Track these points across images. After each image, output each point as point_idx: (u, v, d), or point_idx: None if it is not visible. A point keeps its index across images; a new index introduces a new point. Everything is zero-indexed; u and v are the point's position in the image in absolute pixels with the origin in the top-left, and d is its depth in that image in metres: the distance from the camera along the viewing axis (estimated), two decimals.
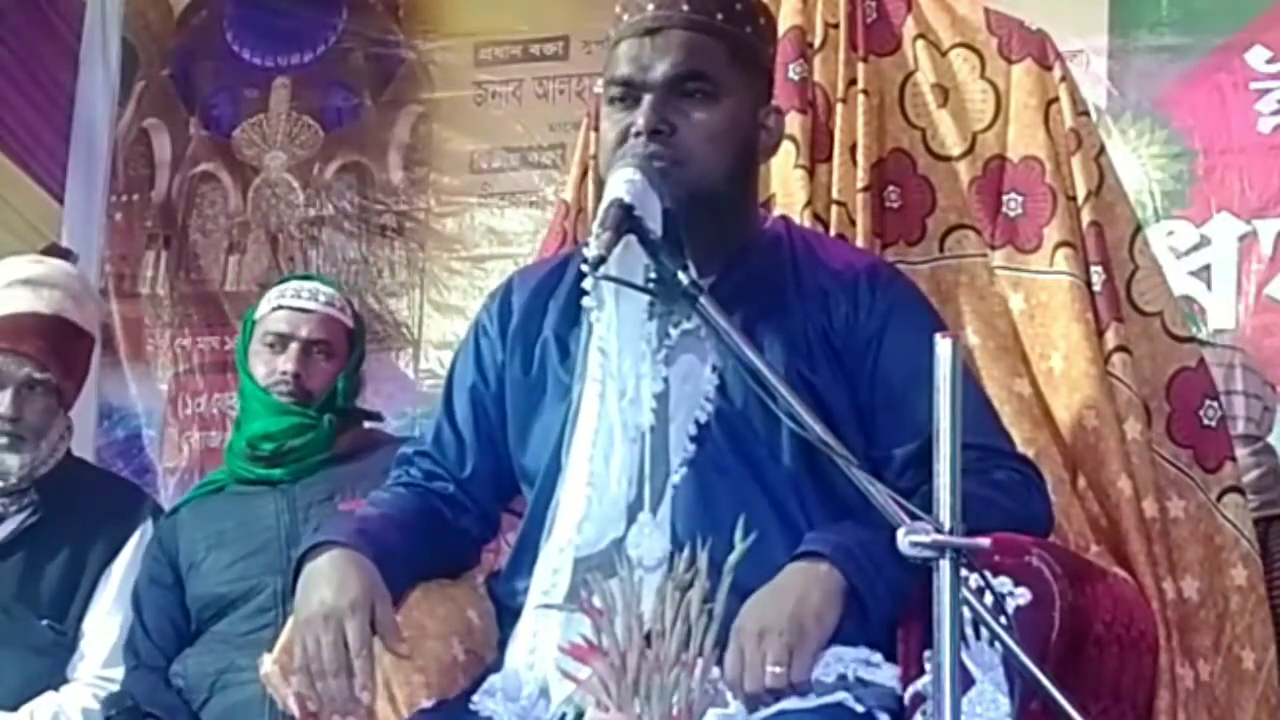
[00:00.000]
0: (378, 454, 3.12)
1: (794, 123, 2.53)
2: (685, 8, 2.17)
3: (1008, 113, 2.56)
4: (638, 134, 2.13)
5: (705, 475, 2.12)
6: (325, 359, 3.37)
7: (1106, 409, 2.39)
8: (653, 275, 2.05)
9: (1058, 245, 2.47)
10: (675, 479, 2.12)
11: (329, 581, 2.08)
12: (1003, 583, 1.94)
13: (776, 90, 2.35)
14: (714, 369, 2.15)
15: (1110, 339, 2.43)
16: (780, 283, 2.22)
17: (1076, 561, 2.16)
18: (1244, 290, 4.33)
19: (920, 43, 2.62)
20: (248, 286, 5.12)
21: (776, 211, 2.50)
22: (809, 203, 2.54)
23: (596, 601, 1.84)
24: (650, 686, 1.79)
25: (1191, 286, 4.32)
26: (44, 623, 3.25)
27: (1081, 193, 2.49)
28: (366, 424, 3.49)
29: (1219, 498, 2.44)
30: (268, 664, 2.15)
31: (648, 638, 1.82)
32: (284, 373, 3.33)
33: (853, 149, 2.58)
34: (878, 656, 2.01)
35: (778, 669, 1.89)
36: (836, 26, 2.63)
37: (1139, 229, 2.56)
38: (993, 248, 2.53)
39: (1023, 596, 1.96)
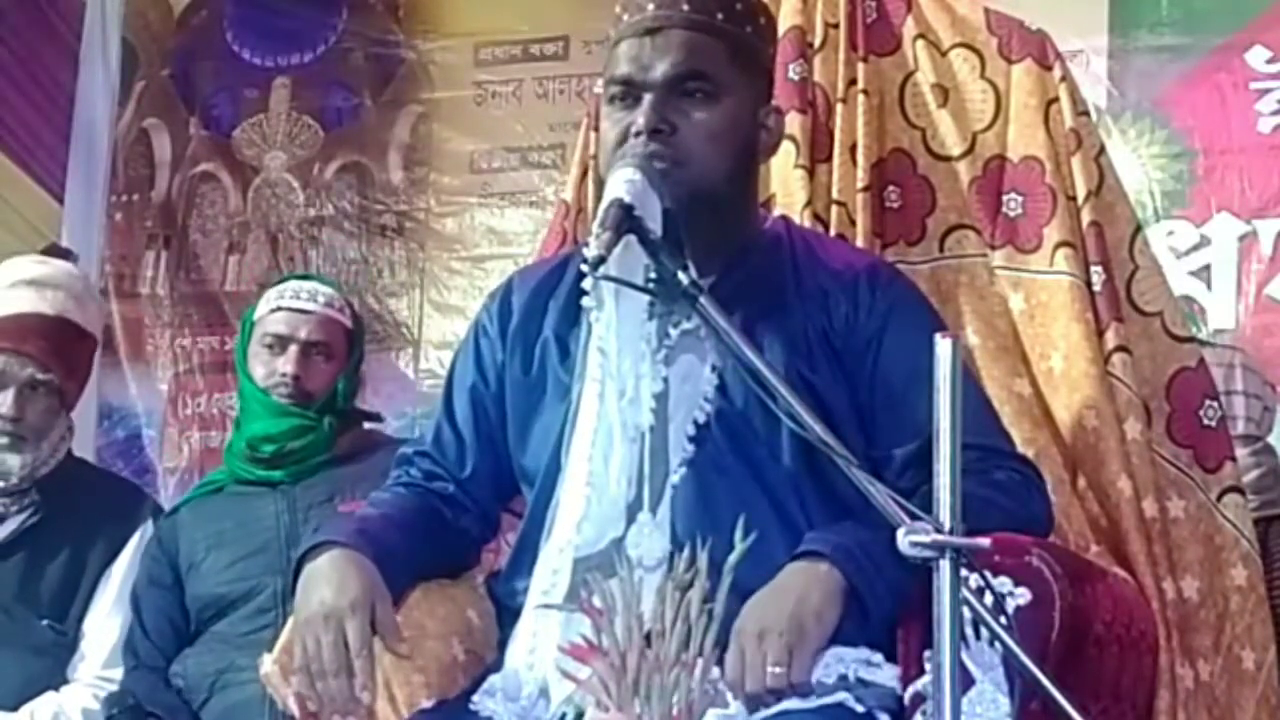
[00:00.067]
0: (378, 456, 3.12)
1: (794, 123, 2.53)
2: (685, 7, 2.17)
3: (1008, 113, 2.56)
4: (638, 133, 2.13)
5: (705, 475, 2.12)
6: (324, 360, 3.37)
7: (1106, 409, 2.39)
8: (653, 275, 2.05)
9: (1058, 245, 2.47)
10: (675, 479, 2.12)
11: (329, 581, 2.08)
12: (1003, 583, 1.94)
13: (776, 90, 2.35)
14: (713, 369, 2.15)
15: (1110, 339, 2.43)
16: (780, 283, 2.22)
17: (1076, 561, 2.16)
18: (1244, 290, 4.33)
19: (920, 43, 2.62)
20: (248, 286, 5.12)
21: (776, 211, 2.50)
22: (809, 203, 2.54)
23: (596, 601, 1.84)
24: (650, 686, 1.79)
25: (1191, 286, 4.32)
26: (44, 623, 3.25)
27: (1081, 193, 2.49)
28: (366, 425, 3.49)
29: (1219, 498, 2.44)
30: (268, 664, 2.15)
31: (648, 638, 1.82)
32: (283, 374, 3.33)
33: (853, 149, 2.58)
34: (878, 657, 2.01)
35: (778, 669, 1.89)
36: (836, 26, 2.63)
37: (1139, 229, 2.56)
38: (993, 248, 2.53)
39: (1023, 596, 1.96)
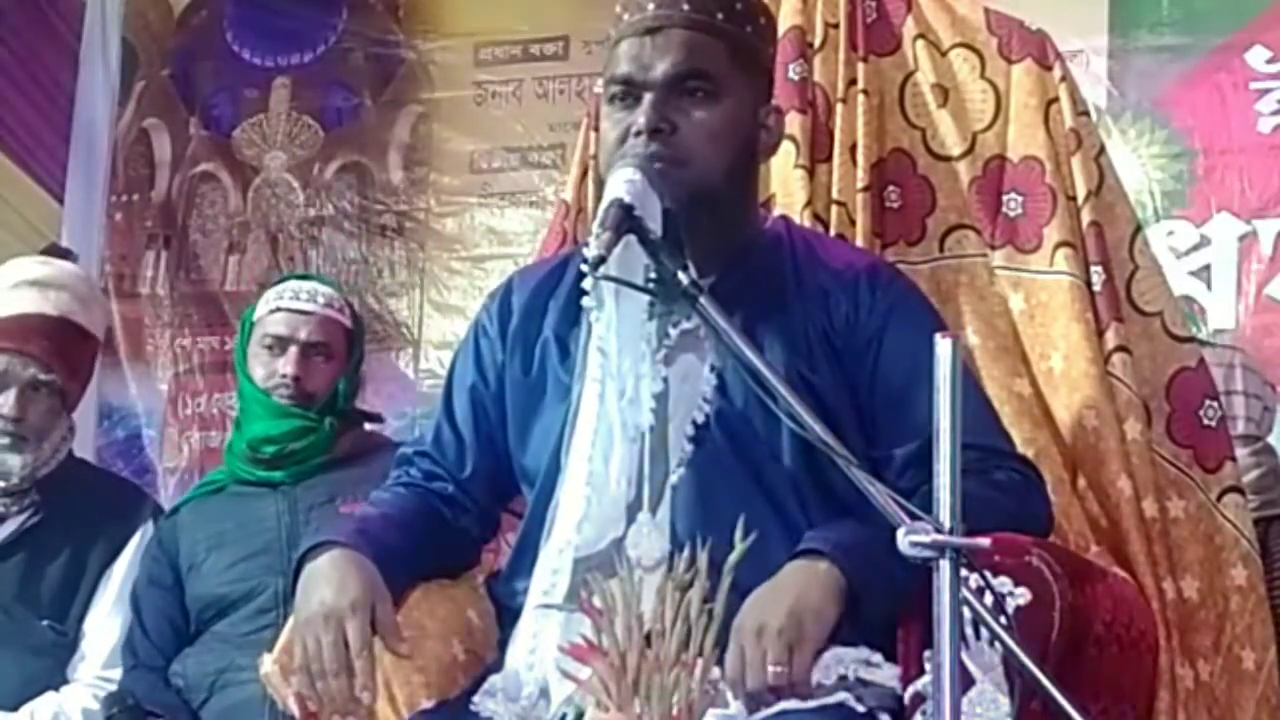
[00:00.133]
0: (378, 457, 3.12)
1: (794, 123, 2.53)
2: (686, 7, 2.17)
3: (1008, 113, 2.56)
4: (638, 133, 2.13)
5: (704, 475, 2.12)
6: (325, 361, 3.37)
7: (1106, 409, 2.39)
8: (653, 275, 2.05)
9: (1058, 245, 2.47)
10: (674, 479, 2.12)
11: (329, 581, 2.08)
12: (1003, 583, 1.94)
13: (776, 90, 2.35)
14: (713, 369, 2.15)
15: (1110, 339, 2.43)
16: (781, 283, 2.22)
17: (1076, 561, 2.16)
18: (1244, 290, 4.33)
19: (920, 43, 2.62)
20: (248, 286, 5.12)
21: (776, 211, 2.50)
22: (809, 203, 2.54)
23: (596, 601, 1.84)
24: (650, 686, 1.79)
25: (1191, 286, 4.32)
26: (44, 623, 3.25)
27: (1081, 193, 2.49)
28: (367, 426, 3.49)
29: (1219, 498, 2.44)
30: (268, 664, 2.15)
31: (648, 638, 1.82)
32: (284, 376, 3.32)
33: (853, 149, 2.58)
34: (878, 657, 2.01)
35: (778, 668, 1.89)
36: (836, 26, 2.63)
37: (1139, 229, 2.56)
38: (993, 248, 2.53)
39: (1023, 596, 1.96)
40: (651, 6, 2.18)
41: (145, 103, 5.40)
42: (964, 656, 1.82)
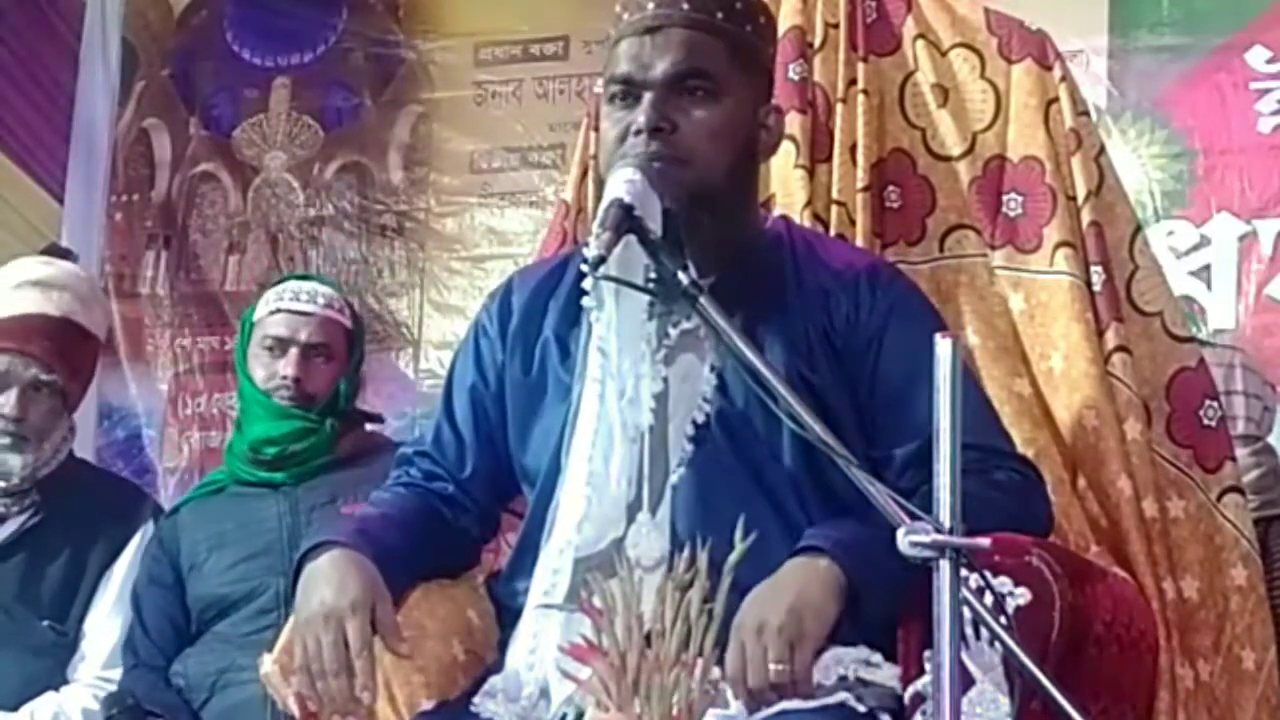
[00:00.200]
0: (379, 458, 3.11)
1: (794, 123, 2.53)
2: (685, 6, 2.17)
3: (1008, 113, 2.56)
4: (638, 132, 2.13)
5: (704, 475, 2.12)
6: (325, 362, 3.36)
7: (1106, 409, 2.39)
8: (653, 275, 2.05)
9: (1058, 245, 2.47)
10: (674, 479, 2.12)
11: (329, 581, 2.08)
12: (1003, 583, 1.94)
13: (776, 90, 2.35)
14: (713, 369, 2.15)
15: (1110, 339, 2.43)
16: (781, 283, 2.22)
17: (1076, 561, 2.16)
18: (1244, 290, 4.33)
19: (920, 43, 2.62)
20: (248, 286, 5.12)
21: (776, 211, 2.50)
22: (809, 203, 2.54)
23: (596, 602, 1.84)
24: (650, 686, 1.79)
25: (1191, 286, 4.32)
26: (45, 623, 3.25)
27: (1081, 193, 2.49)
28: (368, 426, 3.49)
29: (1219, 498, 2.44)
30: (268, 664, 2.15)
31: (648, 638, 1.82)
32: (284, 378, 3.32)
33: (853, 149, 2.58)
34: (877, 657, 2.01)
35: (780, 665, 1.89)
36: (836, 26, 2.63)
37: (1139, 229, 2.56)
38: (993, 248, 2.53)
39: (1023, 596, 1.96)
40: (651, 6, 2.18)
41: (145, 103, 5.40)
42: (964, 656, 1.82)
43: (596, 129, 2.47)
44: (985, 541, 1.73)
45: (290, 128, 5.31)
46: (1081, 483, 2.40)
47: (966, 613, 1.75)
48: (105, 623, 3.29)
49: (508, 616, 2.22)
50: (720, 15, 2.18)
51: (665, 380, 2.14)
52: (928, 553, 1.70)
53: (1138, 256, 2.52)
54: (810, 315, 2.19)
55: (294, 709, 2.10)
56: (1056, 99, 2.53)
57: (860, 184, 2.56)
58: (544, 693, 2.08)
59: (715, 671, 1.88)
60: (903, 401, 2.11)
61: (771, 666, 1.90)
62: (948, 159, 2.58)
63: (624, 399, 2.10)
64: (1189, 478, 2.44)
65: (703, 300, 2.00)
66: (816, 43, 2.63)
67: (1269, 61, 4.37)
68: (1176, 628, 2.31)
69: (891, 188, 2.60)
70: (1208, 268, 4.36)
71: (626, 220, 2.00)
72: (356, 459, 3.32)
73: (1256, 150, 4.35)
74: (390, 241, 5.16)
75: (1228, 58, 4.39)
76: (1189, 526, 2.42)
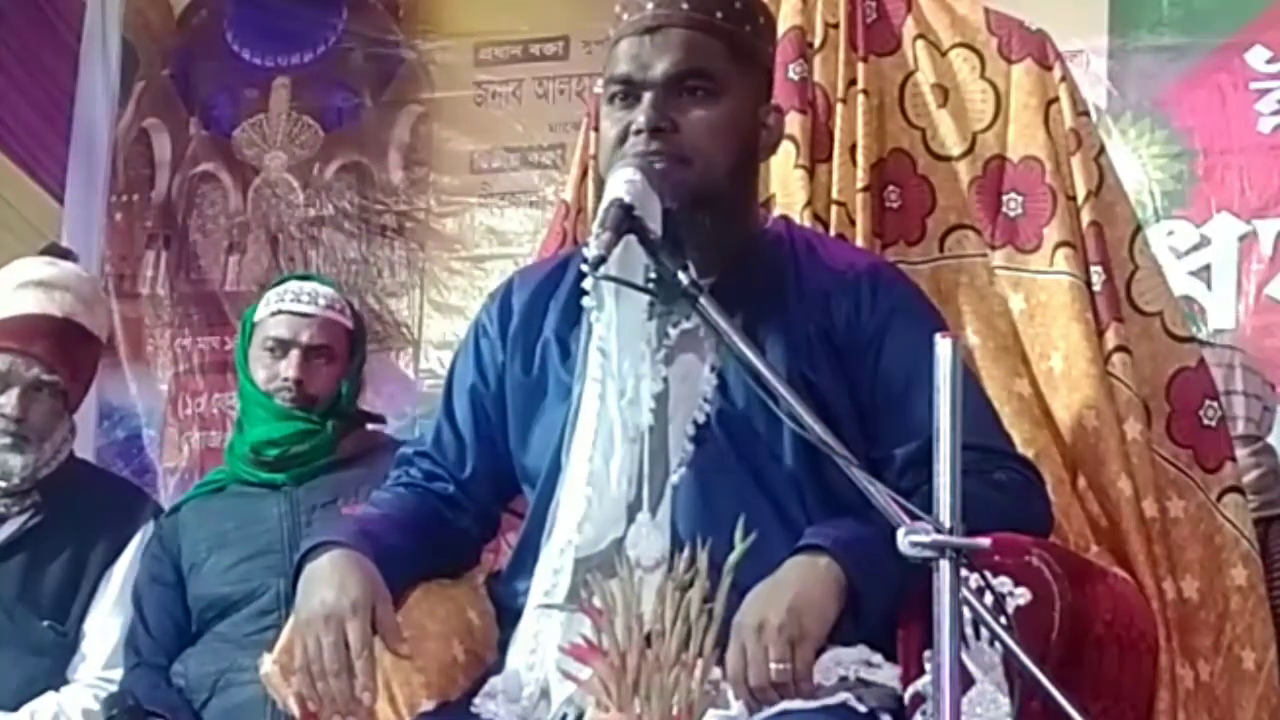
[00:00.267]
0: (380, 457, 3.11)
1: (794, 123, 2.53)
2: (685, 6, 2.17)
3: (1008, 113, 2.56)
4: (638, 132, 2.13)
5: (705, 475, 2.12)
6: (326, 363, 3.36)
7: (1106, 409, 2.39)
8: (653, 275, 2.05)
9: (1058, 245, 2.47)
10: (675, 479, 2.12)
11: (330, 582, 2.08)
12: (1003, 583, 1.95)
13: (776, 90, 2.35)
14: (713, 369, 2.15)
15: (1110, 339, 2.43)
16: (781, 283, 2.22)
17: (1076, 561, 2.16)
18: (1244, 290, 4.34)
19: (920, 43, 2.61)
20: (248, 286, 5.12)
21: (776, 211, 2.50)
22: (809, 203, 2.54)
23: (596, 602, 1.84)
24: (650, 686, 1.79)
25: (1191, 286, 4.32)
26: (45, 623, 3.25)
27: (1081, 193, 2.49)
28: (369, 426, 3.49)
29: (1219, 498, 2.44)
30: (268, 664, 2.15)
31: (648, 638, 1.82)
32: (285, 379, 3.32)
33: (853, 149, 2.58)
34: (878, 657, 2.01)
35: (781, 664, 1.89)
36: (836, 26, 2.63)
37: (1139, 229, 2.56)
38: (993, 248, 2.53)
39: (1023, 596, 1.96)
40: (651, 6, 2.18)
41: (145, 103, 5.40)
42: (964, 656, 1.82)
43: (596, 129, 2.47)
44: (985, 541, 1.73)
45: (290, 128, 5.31)
46: (1081, 483, 2.40)
47: (966, 613, 1.75)
48: (105, 623, 3.29)
49: (508, 617, 2.22)
50: (720, 15, 2.18)
51: (665, 380, 2.14)
52: (928, 553, 1.70)
53: (1138, 256, 2.52)
54: (811, 315, 2.19)
55: (294, 709, 2.10)
56: (1056, 99, 2.53)
57: (860, 184, 2.56)
58: (544, 693, 2.08)
59: (715, 671, 1.88)
60: (903, 402, 2.11)
61: (772, 666, 1.89)
62: (948, 159, 2.58)
63: (624, 399, 2.10)
64: (1189, 478, 2.44)
65: (703, 300, 2.00)
66: (816, 43, 2.63)
67: (1269, 61, 4.37)
68: (1176, 628, 2.31)
69: (891, 188, 2.60)
70: (1208, 268, 4.36)
71: (626, 220, 2.00)
72: (357, 459, 3.32)
73: (1256, 150, 4.36)
74: (390, 241, 5.16)
75: (1228, 58, 4.39)
76: (1189, 526, 2.42)
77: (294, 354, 3.33)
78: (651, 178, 2.06)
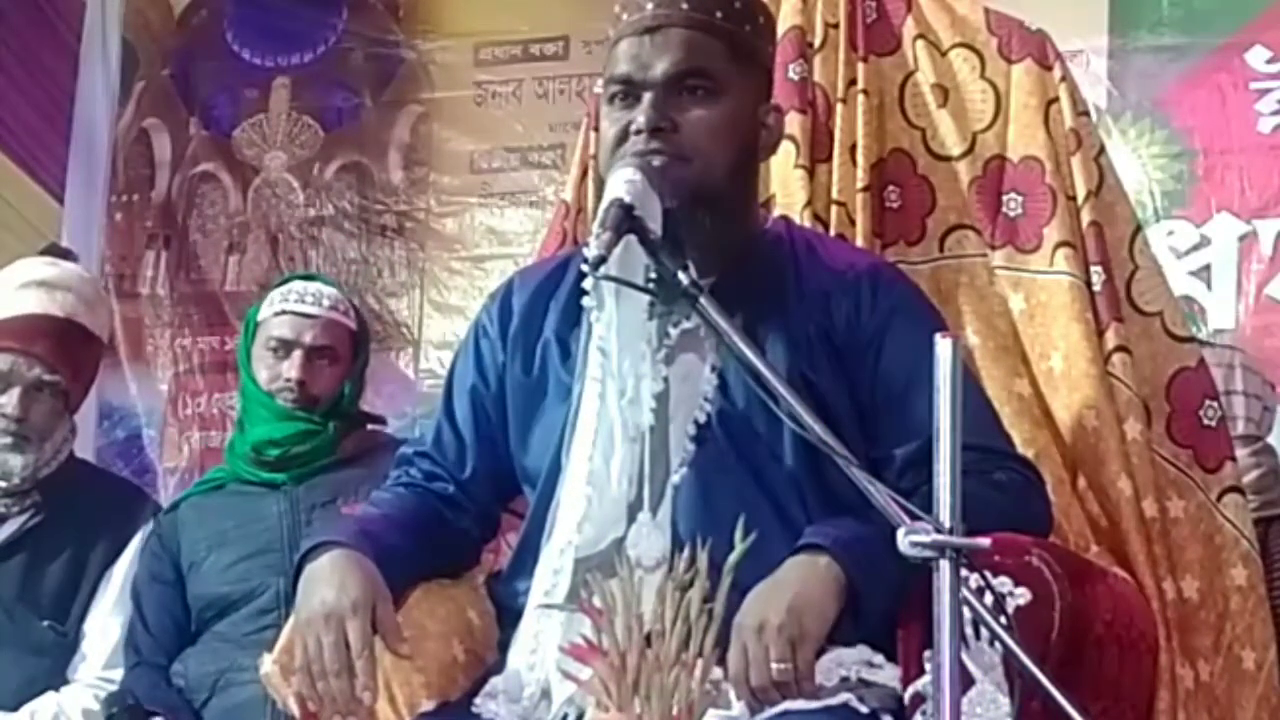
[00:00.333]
0: (380, 457, 3.11)
1: (794, 123, 2.53)
2: (685, 6, 2.17)
3: (1008, 113, 2.56)
4: (639, 131, 2.13)
5: (705, 475, 2.12)
6: (329, 364, 3.36)
7: (1106, 409, 2.39)
8: (653, 275, 2.05)
9: (1058, 245, 2.47)
10: (675, 479, 2.12)
11: (330, 582, 2.07)
12: (1003, 583, 1.95)
13: (776, 90, 2.35)
14: (713, 369, 2.15)
15: (1110, 339, 2.43)
16: (781, 283, 2.22)
17: (1076, 561, 2.16)
18: (1244, 290, 4.34)
19: (920, 43, 2.62)
20: (248, 286, 5.12)
21: (776, 211, 2.51)
22: (809, 203, 2.54)
23: (596, 602, 1.84)
24: (650, 686, 1.79)
25: (1191, 286, 4.32)
26: (45, 623, 3.25)
27: (1081, 193, 2.49)
28: (369, 427, 3.49)
29: (1219, 498, 2.44)
30: (267, 664, 2.15)
31: (648, 638, 1.82)
32: (288, 379, 3.32)
33: (853, 149, 2.58)
34: (879, 657, 2.01)
35: (782, 664, 1.89)
36: (836, 26, 2.63)
37: (1139, 229, 2.56)
38: (993, 248, 2.53)
39: (1023, 596, 1.96)
40: (650, 6, 2.18)
41: (145, 103, 5.40)
42: (964, 656, 1.82)
43: (596, 129, 2.47)
44: (985, 541, 1.73)
45: (290, 128, 5.31)
46: (1081, 483, 2.40)
47: (966, 613, 1.75)
48: (105, 623, 3.29)
49: (508, 617, 2.22)
50: (719, 15, 2.18)
51: (666, 380, 2.14)
52: (928, 553, 1.70)
53: (1138, 256, 2.52)
54: (811, 315, 2.19)
55: (294, 709, 2.10)
56: (1056, 99, 2.53)
57: (860, 184, 2.56)
58: (545, 693, 2.08)
59: (716, 671, 1.88)
60: (903, 402, 2.11)
61: (773, 665, 1.90)
62: (948, 159, 2.58)
63: (624, 399, 2.10)
64: (1189, 478, 2.44)
65: (703, 300, 2.00)
66: (816, 43, 2.63)
67: (1269, 61, 4.37)
68: (1176, 628, 2.31)
69: (891, 188, 2.60)
70: (1208, 268, 4.36)
71: (627, 220, 2.01)
72: (358, 459, 3.32)
73: (1256, 150, 4.36)
74: (390, 241, 5.16)
75: (1228, 58, 4.39)
76: (1189, 526, 2.42)
77: (297, 354, 3.33)
78: (651, 177, 2.06)
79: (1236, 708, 2.37)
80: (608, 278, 2.03)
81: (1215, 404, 2.48)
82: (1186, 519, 2.42)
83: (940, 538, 1.70)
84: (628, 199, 2.02)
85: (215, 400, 5.17)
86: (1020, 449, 2.28)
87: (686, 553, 1.84)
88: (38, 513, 3.30)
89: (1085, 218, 2.48)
